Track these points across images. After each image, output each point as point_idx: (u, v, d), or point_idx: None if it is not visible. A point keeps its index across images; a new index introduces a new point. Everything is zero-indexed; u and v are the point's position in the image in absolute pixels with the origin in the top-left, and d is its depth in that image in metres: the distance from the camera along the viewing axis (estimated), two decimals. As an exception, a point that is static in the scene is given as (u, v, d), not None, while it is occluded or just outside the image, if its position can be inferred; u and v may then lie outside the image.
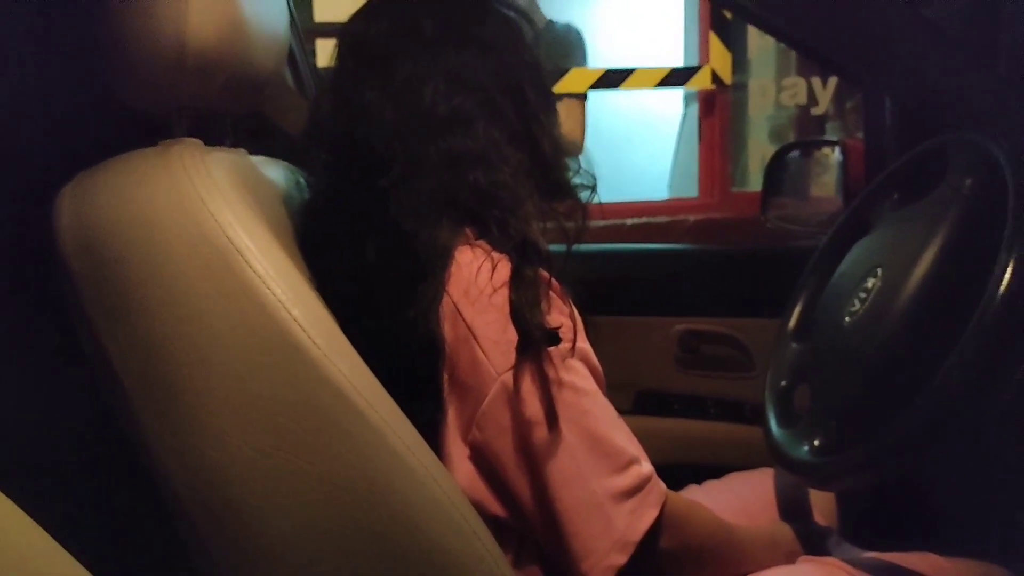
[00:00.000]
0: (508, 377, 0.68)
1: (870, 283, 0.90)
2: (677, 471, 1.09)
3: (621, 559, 0.70)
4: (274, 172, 0.79)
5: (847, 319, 0.92)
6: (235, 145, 0.75)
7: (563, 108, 2.41)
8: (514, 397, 0.68)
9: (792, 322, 1.11)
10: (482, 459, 0.71)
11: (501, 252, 0.71)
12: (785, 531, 0.99)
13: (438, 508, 0.61)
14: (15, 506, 0.44)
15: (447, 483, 0.63)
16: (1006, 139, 0.83)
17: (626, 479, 0.71)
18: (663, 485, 0.75)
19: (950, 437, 0.78)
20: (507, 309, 0.68)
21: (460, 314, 0.69)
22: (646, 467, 0.74)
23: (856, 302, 0.91)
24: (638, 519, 0.71)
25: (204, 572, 0.64)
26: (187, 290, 0.58)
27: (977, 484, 1.04)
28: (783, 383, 1.05)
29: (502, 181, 0.73)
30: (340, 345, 0.61)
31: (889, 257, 0.91)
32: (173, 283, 0.58)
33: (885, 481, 0.91)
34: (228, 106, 0.71)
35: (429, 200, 0.71)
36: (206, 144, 0.67)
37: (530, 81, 0.79)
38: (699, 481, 1.16)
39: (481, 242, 0.72)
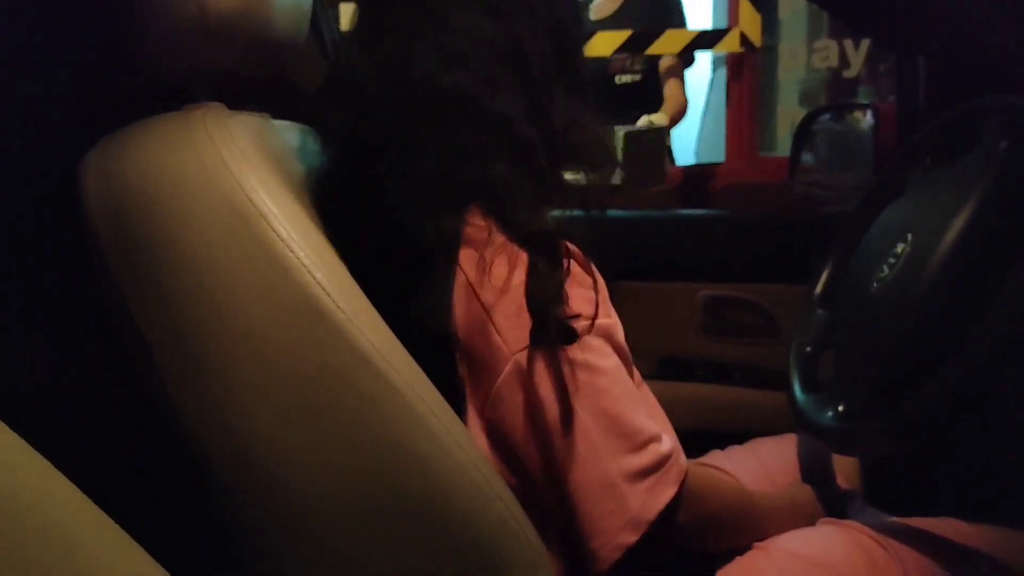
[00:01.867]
0: (522, 356, 0.67)
1: (899, 249, 0.89)
2: (700, 436, 1.10)
3: (632, 538, 0.69)
4: (297, 137, 0.79)
5: (875, 285, 0.91)
6: (258, 110, 0.75)
7: (670, 87, 2.42)
8: (527, 376, 0.67)
9: (819, 288, 1.10)
10: (497, 435, 0.71)
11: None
12: (806, 493, 0.99)
13: (461, 471, 0.61)
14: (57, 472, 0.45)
15: (470, 447, 0.63)
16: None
17: (643, 458, 0.71)
18: (684, 461, 0.75)
19: (977, 406, 0.77)
20: (523, 291, 0.67)
21: (476, 294, 0.68)
22: (666, 444, 0.73)
23: (885, 268, 0.90)
24: (654, 498, 0.71)
25: (233, 535, 0.65)
26: (210, 254, 0.58)
27: (1003, 451, 1.04)
28: (808, 349, 1.04)
29: (502, 174, 0.70)
30: (364, 309, 0.62)
31: (920, 222, 0.89)
32: (196, 247, 0.59)
33: (909, 447, 0.90)
34: (250, 69, 0.71)
35: (427, 190, 0.69)
36: (229, 108, 0.67)
37: (547, 46, 0.75)
38: (722, 446, 1.16)
39: (492, 224, 0.69)
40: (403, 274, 0.69)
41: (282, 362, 0.59)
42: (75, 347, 0.79)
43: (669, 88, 2.46)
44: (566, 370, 0.68)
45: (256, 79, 0.74)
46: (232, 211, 0.59)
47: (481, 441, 0.70)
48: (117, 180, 0.61)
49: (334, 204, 0.73)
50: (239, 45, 0.66)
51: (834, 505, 1.01)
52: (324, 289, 0.58)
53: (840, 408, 0.89)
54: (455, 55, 0.71)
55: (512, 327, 0.67)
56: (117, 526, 0.48)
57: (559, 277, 0.68)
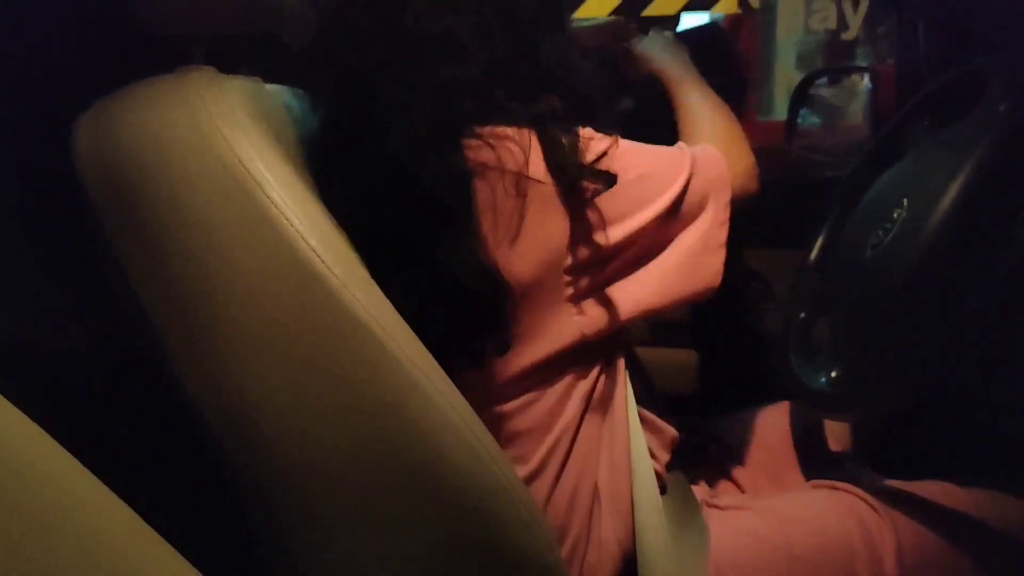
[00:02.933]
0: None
1: (895, 213, 0.89)
2: (695, 402, 1.11)
3: (728, 190, 0.85)
4: (291, 100, 0.78)
5: (870, 250, 0.90)
6: (252, 73, 0.74)
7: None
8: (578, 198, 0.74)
9: (814, 253, 1.10)
10: (585, 279, 0.76)
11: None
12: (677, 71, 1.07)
13: (456, 435, 0.62)
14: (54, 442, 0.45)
15: (466, 411, 0.63)
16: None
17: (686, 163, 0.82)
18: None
19: (970, 371, 0.77)
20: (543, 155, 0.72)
21: (524, 173, 0.71)
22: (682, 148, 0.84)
23: (880, 233, 0.90)
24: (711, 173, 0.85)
25: (230, 498, 0.66)
26: (204, 219, 0.58)
27: (996, 416, 1.05)
28: (802, 315, 1.05)
29: (498, 106, 0.73)
30: (358, 274, 0.62)
31: (916, 186, 0.89)
32: (189, 212, 0.58)
33: (902, 411, 0.91)
34: (244, 29, 0.70)
35: (426, 127, 0.70)
36: (222, 72, 0.67)
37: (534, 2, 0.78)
38: (718, 412, 1.17)
39: (500, 130, 0.72)
40: (419, 224, 0.70)
41: (277, 326, 0.59)
42: (78, 315, 0.79)
43: None
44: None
45: (249, 41, 0.73)
46: (227, 176, 0.58)
47: (570, 292, 0.76)
48: (110, 143, 0.61)
49: (334, 164, 0.73)
50: (231, 6, 0.65)
51: (828, 469, 1.03)
52: (318, 255, 0.58)
53: (833, 373, 0.89)
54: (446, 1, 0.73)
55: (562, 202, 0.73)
56: (132, 511, 0.48)
57: (573, 137, 0.73)
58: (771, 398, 1.18)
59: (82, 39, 0.78)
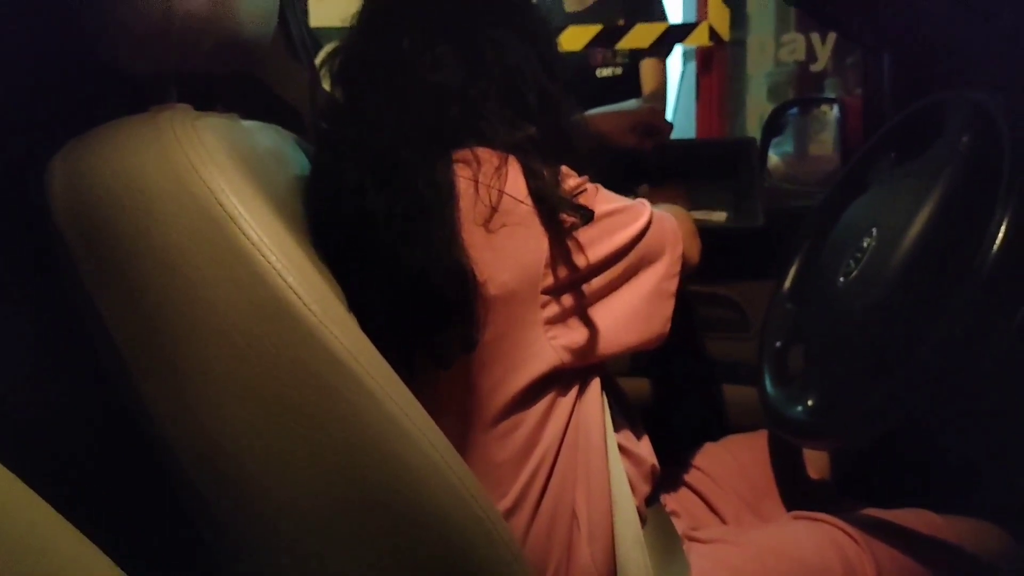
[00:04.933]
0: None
1: (865, 243, 0.90)
2: (674, 432, 1.11)
3: (680, 248, 0.89)
4: (266, 137, 0.78)
5: (841, 279, 0.92)
6: (227, 110, 0.74)
7: (645, 67, 2.43)
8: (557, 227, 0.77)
9: (787, 283, 1.11)
10: (560, 312, 0.78)
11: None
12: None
13: (435, 471, 0.61)
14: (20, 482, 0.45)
15: (443, 447, 0.63)
16: (1004, 96, 0.83)
17: (644, 207, 0.87)
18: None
19: (944, 397, 0.78)
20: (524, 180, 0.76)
21: (503, 191, 0.74)
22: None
23: (851, 262, 0.91)
24: (669, 219, 0.90)
25: (208, 537, 0.65)
26: (180, 258, 0.58)
27: (973, 443, 1.06)
28: (778, 344, 1.06)
29: (482, 114, 0.78)
30: (336, 311, 0.61)
31: (885, 216, 0.90)
32: (166, 251, 0.58)
33: (879, 439, 0.92)
34: (218, 69, 0.70)
35: (415, 134, 0.75)
36: (197, 109, 0.67)
37: (515, 28, 0.83)
38: (696, 443, 1.17)
39: (485, 151, 0.77)
40: (406, 227, 0.73)
41: (253, 364, 0.59)
42: (44, 351, 0.78)
43: (645, 68, 2.46)
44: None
45: (224, 79, 0.73)
46: (201, 214, 0.58)
47: (549, 313, 0.78)
48: (84, 183, 0.60)
49: (320, 189, 0.77)
50: (205, 45, 0.66)
51: (807, 499, 1.03)
52: (295, 292, 0.58)
53: (809, 402, 0.90)
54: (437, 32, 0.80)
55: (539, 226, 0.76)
56: (78, 532, 0.47)
57: (554, 170, 0.78)
58: (750, 426, 1.18)
59: (55, 77, 0.78)
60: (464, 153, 0.76)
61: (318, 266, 0.67)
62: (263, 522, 0.61)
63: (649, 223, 0.86)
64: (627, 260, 0.84)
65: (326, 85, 0.85)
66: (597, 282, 0.81)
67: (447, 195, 0.74)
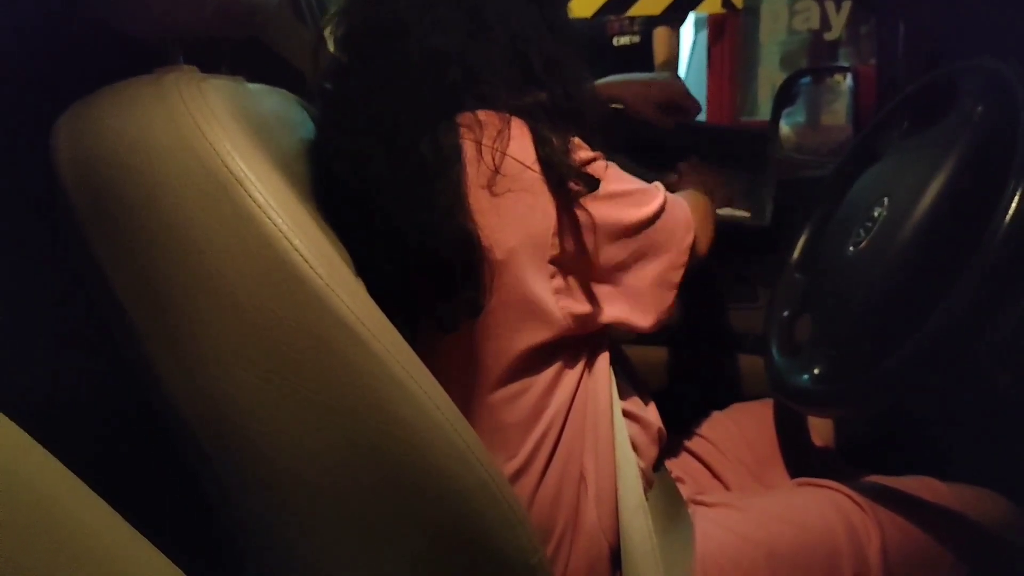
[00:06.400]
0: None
1: (876, 213, 0.89)
2: (679, 401, 1.11)
3: (690, 236, 0.88)
4: (272, 100, 0.78)
5: (851, 249, 0.91)
6: (232, 73, 0.74)
7: (657, 36, 2.40)
8: (564, 193, 0.76)
9: (796, 253, 1.11)
10: (565, 269, 0.78)
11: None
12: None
13: (440, 434, 0.62)
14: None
15: (449, 410, 0.64)
16: (1020, 65, 0.82)
17: (660, 192, 0.87)
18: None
19: (951, 367, 0.78)
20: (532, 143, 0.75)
21: (506, 153, 0.73)
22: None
23: (861, 232, 0.91)
24: (682, 205, 0.89)
25: (215, 498, 0.66)
26: (186, 220, 0.58)
27: (978, 413, 1.06)
28: (785, 313, 1.05)
29: (484, 77, 0.77)
30: (342, 274, 0.61)
31: (896, 186, 0.90)
32: (172, 213, 0.58)
33: (885, 408, 0.92)
34: (223, 32, 0.69)
35: (416, 99, 0.74)
36: (202, 72, 0.66)
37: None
38: (702, 412, 1.18)
39: (488, 114, 0.75)
40: (412, 191, 0.73)
41: (260, 327, 0.59)
42: (56, 327, 0.78)
43: (658, 37, 2.44)
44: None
45: (229, 42, 0.73)
46: (208, 176, 0.58)
47: (555, 283, 0.77)
48: (90, 144, 0.60)
49: (324, 150, 0.76)
50: (210, 7, 0.65)
51: (812, 466, 1.03)
52: (301, 254, 0.58)
53: (816, 371, 0.90)
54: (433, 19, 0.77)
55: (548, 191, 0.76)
56: (122, 519, 0.48)
57: (565, 136, 0.77)
58: (755, 395, 1.19)
59: (61, 40, 0.78)
60: (467, 116, 0.75)
61: (324, 229, 0.67)
62: (268, 484, 0.62)
63: (662, 209, 0.85)
64: (636, 242, 0.83)
65: (331, 46, 0.84)
66: (604, 259, 0.81)
67: (451, 159, 0.73)
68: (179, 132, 0.59)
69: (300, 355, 0.59)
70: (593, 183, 0.77)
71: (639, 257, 0.84)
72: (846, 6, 2.76)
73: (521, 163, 0.74)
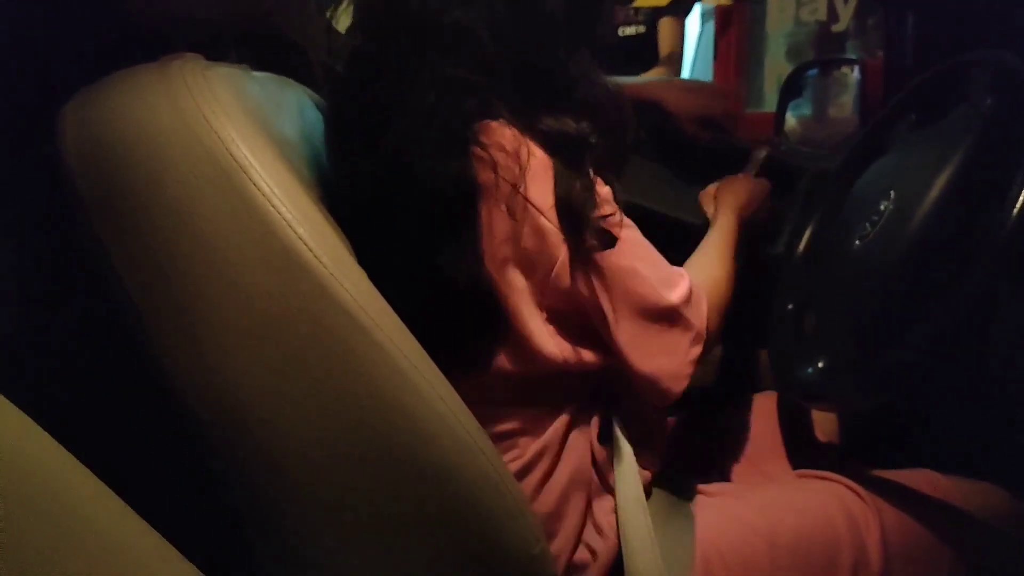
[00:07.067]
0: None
1: (882, 206, 0.89)
2: (684, 394, 1.11)
3: (698, 349, 0.79)
4: (278, 89, 0.77)
5: (857, 242, 0.91)
6: (238, 61, 0.74)
7: (663, 27, 2.38)
8: (579, 248, 0.71)
9: (802, 245, 1.10)
10: (560, 317, 0.74)
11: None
12: (722, 216, 1.03)
13: (443, 424, 0.62)
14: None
15: (454, 402, 0.64)
16: (1030, 57, 0.81)
17: (683, 287, 0.78)
18: (696, 278, 0.82)
19: (955, 361, 0.78)
20: (553, 181, 0.70)
21: (518, 187, 0.68)
22: (684, 272, 0.81)
23: (867, 225, 0.90)
24: (701, 313, 0.80)
25: (217, 486, 0.66)
26: (190, 207, 0.58)
27: (979, 406, 1.06)
28: (790, 305, 1.05)
29: (500, 111, 0.70)
30: (347, 264, 0.61)
31: (903, 179, 0.89)
32: (176, 200, 0.58)
33: (888, 401, 0.92)
34: (228, 17, 0.69)
35: (427, 126, 0.69)
36: (208, 60, 0.66)
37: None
38: (707, 404, 1.18)
39: (509, 135, 0.70)
40: (419, 224, 0.70)
41: (264, 314, 0.59)
42: (62, 308, 0.78)
43: (663, 28, 2.42)
44: (616, 231, 0.73)
45: (235, 29, 0.73)
46: (212, 163, 0.58)
47: (547, 330, 0.74)
48: (95, 131, 0.60)
49: (335, 154, 0.74)
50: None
51: (814, 459, 1.03)
52: (306, 244, 0.58)
53: (821, 364, 0.90)
54: None
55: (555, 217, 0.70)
56: (133, 511, 0.48)
57: (587, 181, 0.71)
58: (759, 388, 1.19)
59: (68, 28, 0.78)
60: (488, 132, 0.69)
61: (328, 219, 0.67)
62: (273, 473, 0.62)
63: (685, 300, 0.77)
64: (639, 324, 0.76)
65: (341, 28, 0.83)
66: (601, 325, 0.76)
67: (466, 203, 0.69)
68: (184, 119, 0.58)
69: (303, 343, 0.59)
70: (610, 241, 0.72)
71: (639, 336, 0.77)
72: (854, -2, 2.74)
73: (538, 210, 0.69)
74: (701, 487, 0.92)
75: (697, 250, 0.98)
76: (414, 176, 0.69)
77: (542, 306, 0.73)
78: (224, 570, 0.57)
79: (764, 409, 1.14)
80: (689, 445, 1.10)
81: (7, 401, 0.45)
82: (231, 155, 0.58)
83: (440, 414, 0.62)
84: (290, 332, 0.59)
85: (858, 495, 0.88)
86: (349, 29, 0.77)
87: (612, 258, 0.73)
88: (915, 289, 0.82)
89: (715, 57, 2.57)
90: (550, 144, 0.71)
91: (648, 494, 0.84)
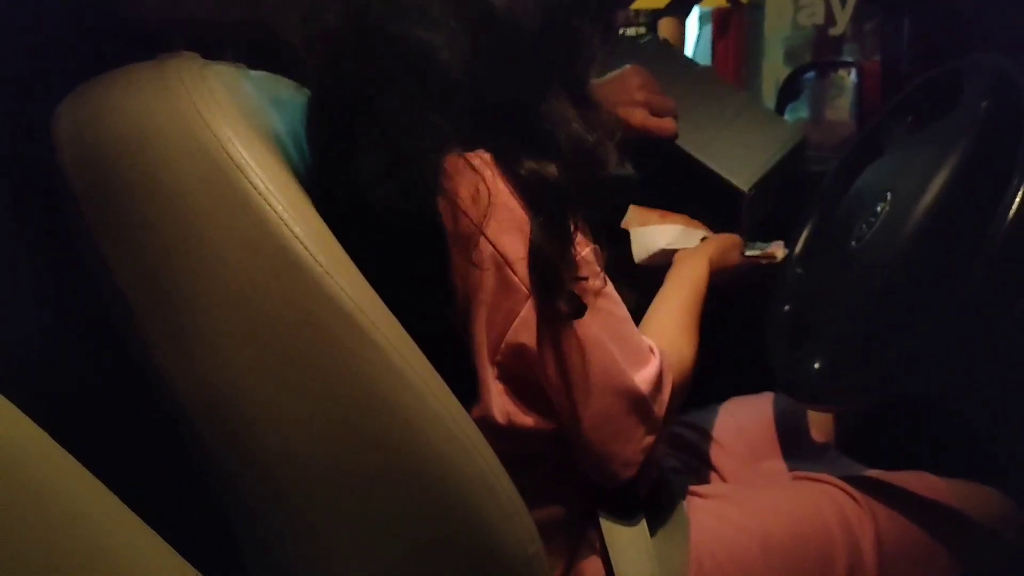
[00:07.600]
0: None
1: (879, 207, 0.89)
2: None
3: (652, 438, 0.74)
4: (274, 87, 0.77)
5: (853, 243, 0.91)
6: (234, 60, 0.74)
7: (662, 27, 2.38)
8: (546, 311, 0.67)
9: (798, 247, 1.10)
10: (512, 376, 0.71)
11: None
12: (691, 259, 0.98)
13: (439, 422, 0.62)
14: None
15: (448, 399, 0.63)
16: (1024, 61, 0.81)
17: (652, 368, 0.73)
18: (666, 355, 0.77)
19: (952, 363, 0.78)
20: (527, 231, 0.65)
21: (483, 233, 0.65)
22: (656, 348, 0.76)
23: (864, 227, 0.90)
24: (663, 400, 0.75)
25: (213, 485, 0.66)
26: (186, 205, 0.58)
27: (975, 408, 1.06)
28: (787, 307, 1.05)
29: (475, 152, 0.67)
30: (342, 262, 0.61)
31: (900, 181, 0.89)
32: (172, 198, 0.58)
33: (884, 403, 0.92)
34: (224, 15, 0.69)
35: (390, 160, 0.66)
36: (204, 58, 0.66)
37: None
38: (700, 405, 1.17)
39: (483, 155, 0.66)
40: (387, 261, 0.67)
41: (259, 313, 0.59)
42: (57, 306, 0.78)
43: (663, 29, 2.43)
44: (586, 299, 0.68)
45: (232, 28, 0.73)
46: (208, 161, 0.58)
47: (496, 387, 0.70)
48: (91, 129, 0.60)
49: (315, 164, 0.71)
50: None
51: (809, 460, 1.03)
52: (301, 242, 0.58)
53: (817, 365, 0.90)
54: (412, 6, 0.67)
55: (526, 266, 0.66)
56: (123, 504, 0.48)
57: (567, 237, 0.67)
58: (754, 388, 1.19)
59: (65, 27, 0.78)
60: (452, 177, 0.66)
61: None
62: (266, 471, 0.62)
63: (653, 387, 0.73)
64: (600, 401, 0.71)
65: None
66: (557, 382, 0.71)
67: (432, 235, 0.66)
68: (180, 118, 0.58)
69: (298, 342, 0.59)
70: (580, 309, 0.67)
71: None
72: (851, 1, 2.74)
73: (505, 260, 0.66)
74: (695, 489, 0.92)
75: (664, 299, 0.92)
76: (377, 217, 0.66)
77: (494, 362, 0.70)
78: (222, 569, 0.57)
79: (759, 410, 1.14)
80: (684, 445, 1.10)
81: (7, 401, 0.44)
82: (227, 153, 0.58)
83: (436, 414, 0.62)
84: (285, 330, 0.59)
85: (852, 497, 0.88)
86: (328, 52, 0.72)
87: (582, 327, 0.68)
88: (911, 291, 0.82)
89: (713, 60, 2.57)
90: (529, 192, 0.66)
91: (641, 496, 0.84)
